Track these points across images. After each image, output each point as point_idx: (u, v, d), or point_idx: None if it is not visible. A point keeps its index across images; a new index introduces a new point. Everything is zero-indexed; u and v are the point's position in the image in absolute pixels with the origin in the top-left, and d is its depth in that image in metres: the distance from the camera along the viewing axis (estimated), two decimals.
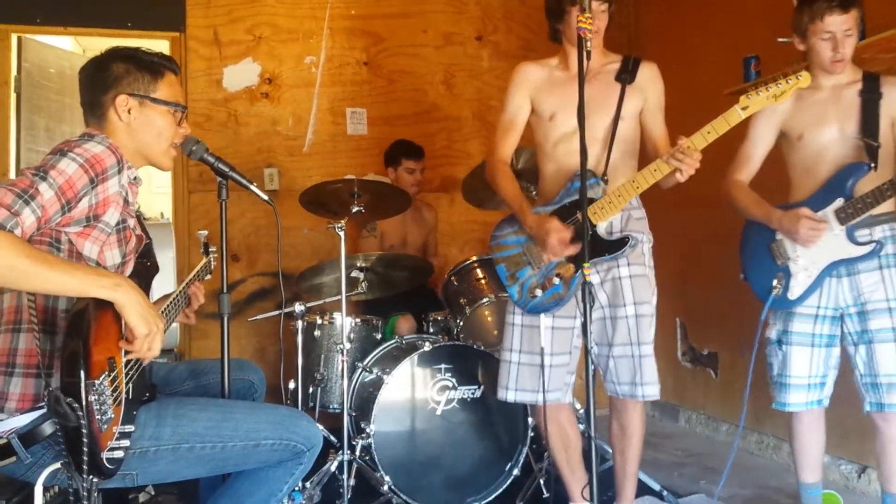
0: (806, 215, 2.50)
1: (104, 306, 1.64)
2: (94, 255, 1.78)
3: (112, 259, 1.83)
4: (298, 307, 3.24)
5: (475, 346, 3.19)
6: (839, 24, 2.46)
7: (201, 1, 4.46)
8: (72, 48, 5.27)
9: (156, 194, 6.01)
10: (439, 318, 3.65)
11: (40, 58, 4.55)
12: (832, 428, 2.75)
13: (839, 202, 2.49)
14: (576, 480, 2.75)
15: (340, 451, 2.98)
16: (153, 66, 1.95)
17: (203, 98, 4.44)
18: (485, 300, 3.45)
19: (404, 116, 4.70)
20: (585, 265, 2.08)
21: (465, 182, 3.65)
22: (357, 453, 3.03)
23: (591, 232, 2.48)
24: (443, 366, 3.14)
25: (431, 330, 3.62)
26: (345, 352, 3.02)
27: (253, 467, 1.94)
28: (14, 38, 4.34)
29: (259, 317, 3.39)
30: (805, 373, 2.60)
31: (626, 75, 2.60)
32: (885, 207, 2.49)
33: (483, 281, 3.50)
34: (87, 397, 1.54)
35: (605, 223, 2.56)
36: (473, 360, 3.18)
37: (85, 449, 1.54)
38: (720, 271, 4.19)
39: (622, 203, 2.50)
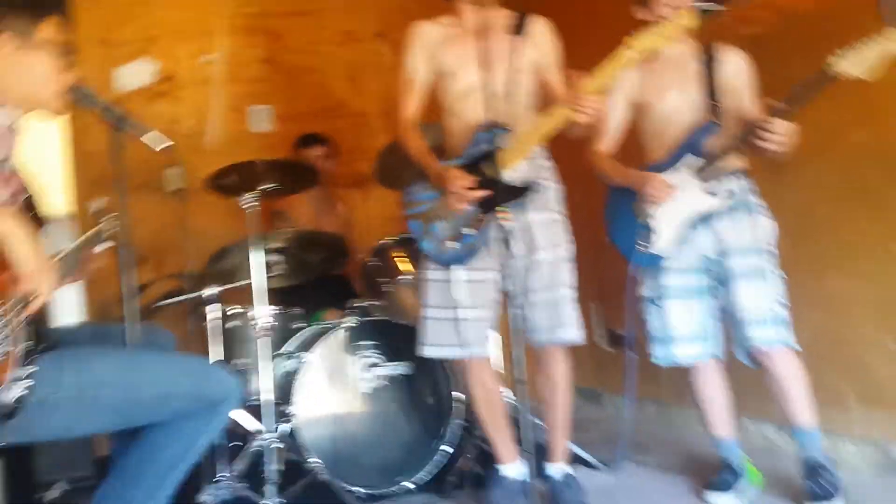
0: (652, 177, 2.63)
1: None
2: None
3: None
4: (209, 291, 3.08)
5: (398, 321, 3.10)
6: None
7: (90, 1, 4.29)
8: None
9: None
10: (359, 304, 3.53)
11: None
12: (752, 392, 2.78)
13: (691, 158, 2.62)
14: (502, 440, 2.72)
15: (261, 435, 2.82)
16: (35, 5, 1.84)
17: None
18: (403, 277, 3.36)
19: (311, 113, 4.59)
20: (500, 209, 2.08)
21: (377, 162, 3.58)
22: (279, 435, 2.87)
23: (498, 180, 2.48)
24: (367, 342, 3.04)
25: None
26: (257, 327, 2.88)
27: (166, 419, 1.80)
28: None
29: (168, 301, 3.20)
30: (686, 325, 2.69)
31: (519, 28, 2.65)
32: (736, 163, 2.62)
33: (401, 259, 3.41)
34: None
35: (512, 170, 2.56)
36: (398, 336, 3.07)
37: None
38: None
39: (527, 149, 2.54)
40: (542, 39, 2.69)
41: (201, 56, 4.48)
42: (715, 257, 2.64)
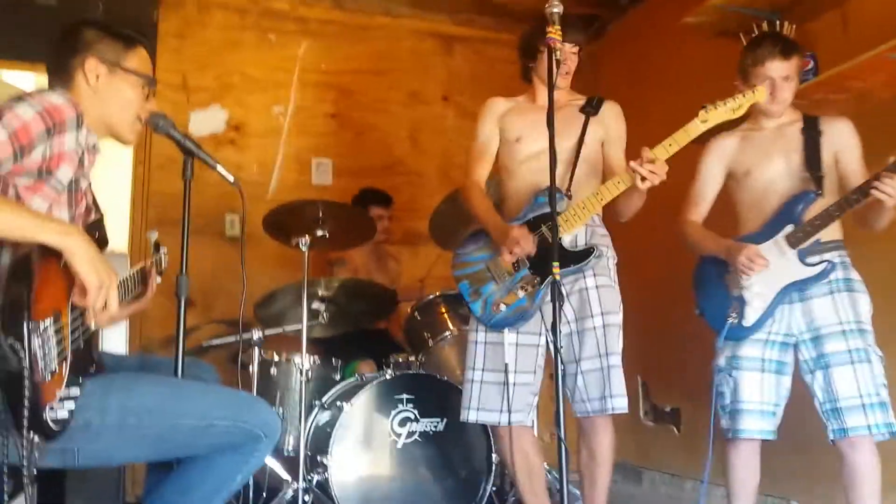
0: (747, 248, 2.54)
1: (51, 256, 1.55)
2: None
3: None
4: (256, 334, 3.12)
5: (438, 377, 3.10)
6: (778, 71, 2.55)
7: (172, 47, 4.48)
8: (36, 86, 5.22)
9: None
10: (400, 359, 3.53)
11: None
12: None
13: (789, 228, 2.54)
14: None
15: (294, 481, 2.82)
16: (126, 36, 1.95)
17: (167, 141, 4.38)
18: (447, 334, 3.37)
19: (370, 169, 4.69)
20: (555, 263, 2.07)
21: (432, 220, 3.62)
22: (313, 485, 2.87)
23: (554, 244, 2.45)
24: (404, 396, 3.03)
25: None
26: (303, 372, 2.90)
27: (204, 452, 1.81)
28: None
29: (215, 342, 3.25)
30: (757, 398, 2.56)
31: (590, 109, 2.73)
32: (833, 235, 2.54)
33: (446, 315, 3.43)
34: (30, 339, 1.43)
35: (570, 236, 2.60)
36: (436, 392, 3.07)
37: (27, 394, 1.41)
38: (680, 325, 4.17)
39: (587, 216, 2.56)
40: (611, 122, 2.75)
41: (273, 107, 4.62)
42: (808, 336, 2.54)
